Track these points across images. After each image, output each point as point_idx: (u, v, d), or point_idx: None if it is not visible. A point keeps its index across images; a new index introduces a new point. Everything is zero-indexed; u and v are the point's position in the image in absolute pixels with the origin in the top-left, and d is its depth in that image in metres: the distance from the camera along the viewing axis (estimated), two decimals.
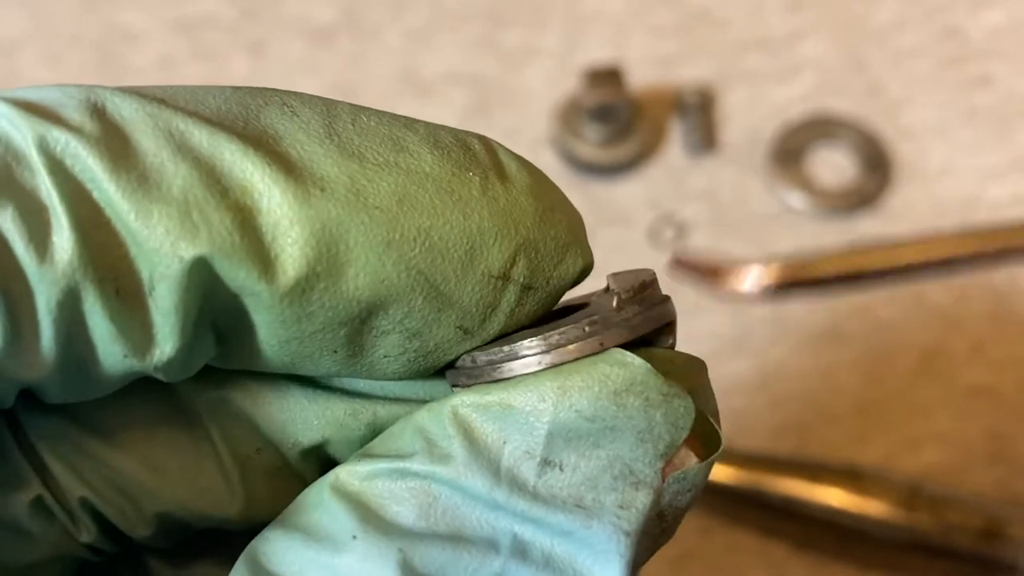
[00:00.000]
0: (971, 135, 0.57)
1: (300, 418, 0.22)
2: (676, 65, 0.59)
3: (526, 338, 0.20)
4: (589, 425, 0.19)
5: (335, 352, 0.20)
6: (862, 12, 0.61)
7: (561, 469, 0.19)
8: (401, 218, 0.19)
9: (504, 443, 0.19)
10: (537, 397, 0.19)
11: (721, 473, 0.44)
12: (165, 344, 0.19)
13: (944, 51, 0.59)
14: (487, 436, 0.19)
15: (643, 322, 0.20)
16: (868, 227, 0.54)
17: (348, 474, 0.20)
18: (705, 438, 0.20)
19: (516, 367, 0.20)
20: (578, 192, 0.54)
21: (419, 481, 0.19)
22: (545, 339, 0.20)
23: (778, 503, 0.44)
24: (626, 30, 0.60)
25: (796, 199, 0.54)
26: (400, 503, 0.19)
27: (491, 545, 0.19)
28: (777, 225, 0.54)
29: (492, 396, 0.20)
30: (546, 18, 0.61)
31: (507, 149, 0.21)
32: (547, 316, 0.22)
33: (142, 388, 0.21)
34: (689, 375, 0.21)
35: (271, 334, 0.20)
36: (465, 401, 0.20)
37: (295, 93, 0.21)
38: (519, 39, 0.60)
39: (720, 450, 0.20)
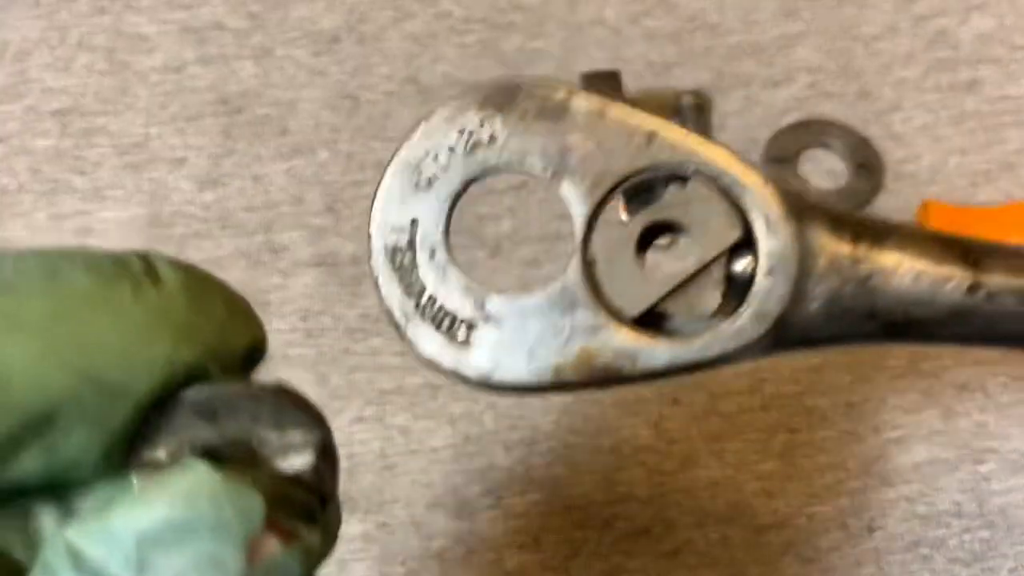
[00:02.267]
0: (961, 138, 0.58)
1: None
2: (673, 70, 0.60)
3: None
4: (169, 528, 0.22)
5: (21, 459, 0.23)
6: (854, 19, 0.62)
7: (155, 569, 0.22)
8: (55, 330, 0.23)
9: (108, 558, 0.22)
10: (127, 513, 0.22)
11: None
12: None
13: (934, 56, 0.61)
14: (94, 557, 0.22)
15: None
16: None
17: None
18: (294, 530, 0.23)
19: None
20: None
21: None
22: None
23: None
24: (624, 36, 0.62)
25: None
26: None
27: None
28: None
29: (94, 521, 0.23)
30: (546, 24, 0.62)
31: (168, 259, 0.25)
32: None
33: None
34: (260, 476, 0.24)
35: None
36: (76, 531, 0.22)
37: None
38: (519, 44, 0.61)
39: (320, 549, 0.24)
